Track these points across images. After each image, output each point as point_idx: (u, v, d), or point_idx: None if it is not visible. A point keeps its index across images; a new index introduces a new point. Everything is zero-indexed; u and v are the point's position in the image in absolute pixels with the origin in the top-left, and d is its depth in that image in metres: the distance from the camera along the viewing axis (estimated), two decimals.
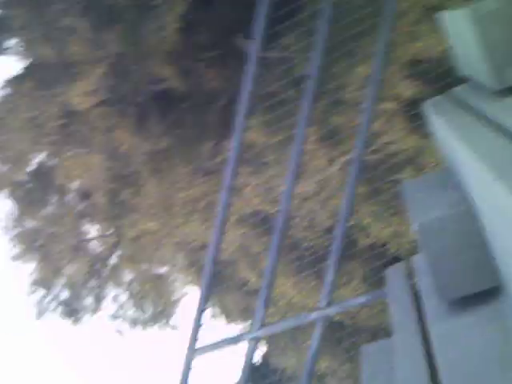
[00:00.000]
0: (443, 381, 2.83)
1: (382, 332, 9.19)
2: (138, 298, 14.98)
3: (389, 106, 8.24)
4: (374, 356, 4.35)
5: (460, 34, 3.58)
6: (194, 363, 5.74)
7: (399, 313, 4.06)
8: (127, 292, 15.07)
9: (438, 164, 8.47)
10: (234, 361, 6.05)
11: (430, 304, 3.58)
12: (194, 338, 5.63)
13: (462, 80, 4.10)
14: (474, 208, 3.23)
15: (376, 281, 6.19)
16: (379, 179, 6.11)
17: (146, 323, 14.83)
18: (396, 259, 7.01)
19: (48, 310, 14.74)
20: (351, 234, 8.19)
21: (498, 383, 2.59)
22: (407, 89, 8.00)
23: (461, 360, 2.87)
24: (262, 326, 5.54)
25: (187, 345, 5.63)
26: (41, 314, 14.76)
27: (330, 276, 5.19)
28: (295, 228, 9.71)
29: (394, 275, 4.66)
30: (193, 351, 5.64)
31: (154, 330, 14.99)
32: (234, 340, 5.72)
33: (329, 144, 7.75)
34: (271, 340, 11.86)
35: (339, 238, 5.16)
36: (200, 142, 11.92)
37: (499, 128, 2.77)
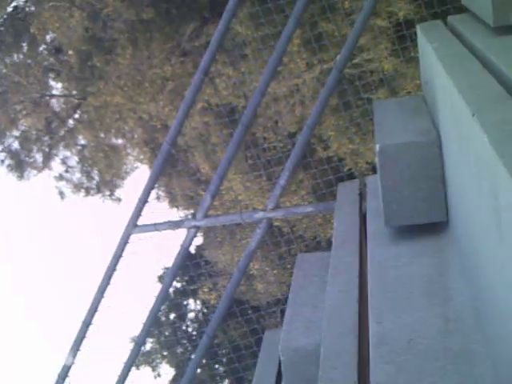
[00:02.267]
0: (370, 303, 2.84)
1: (317, 244, 9.31)
2: (87, 165, 14.90)
3: (379, 22, 8.10)
4: (308, 266, 4.37)
5: None
6: (131, 238, 5.72)
7: (343, 229, 4.06)
8: (78, 157, 14.99)
9: (412, 91, 8.42)
10: (168, 245, 6.04)
11: (375, 227, 3.58)
12: (137, 214, 5.59)
13: (460, 9, 4.01)
14: (440, 140, 3.19)
15: (324, 194, 6.19)
16: (351, 94, 6.04)
17: (90, 190, 14.80)
18: (350, 177, 7.05)
19: None
20: (311, 143, 8.17)
21: (418, 314, 2.61)
22: (402, 9, 7.87)
23: (390, 286, 2.89)
24: (206, 216, 5.53)
25: (129, 218, 5.60)
26: None
27: (282, 180, 5.15)
28: (258, 126, 9.64)
29: (346, 191, 4.65)
30: (133, 226, 5.62)
31: (96, 200, 15.02)
32: (176, 224, 5.70)
33: (310, 49, 7.64)
34: (209, 233, 11.95)
35: (302, 143, 5.10)
36: (184, 21, 11.65)
37: (489, 65, 2.71)
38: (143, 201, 5.64)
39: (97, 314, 5.75)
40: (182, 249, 5.65)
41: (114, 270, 5.69)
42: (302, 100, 9.27)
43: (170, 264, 5.95)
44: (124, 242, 5.67)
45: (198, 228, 5.59)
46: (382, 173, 3.29)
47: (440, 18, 4.41)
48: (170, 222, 5.71)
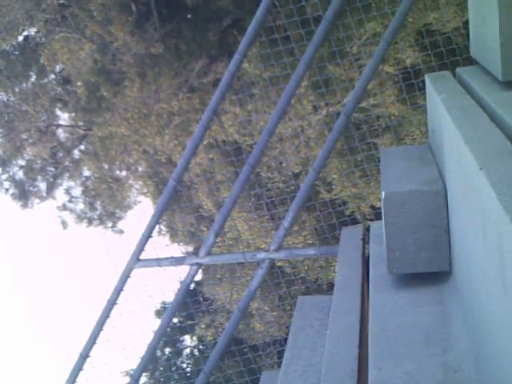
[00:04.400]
0: (370, 349, 2.85)
1: (318, 287, 9.32)
2: (91, 196, 14.96)
3: (387, 68, 8.20)
4: (309, 309, 4.38)
5: (483, 17, 3.53)
6: (132, 273, 5.73)
7: (345, 274, 4.08)
8: (82, 187, 15.05)
9: (418, 138, 8.49)
10: (166, 280, 6.04)
11: (377, 273, 3.59)
12: (140, 248, 5.60)
13: (468, 61, 4.06)
14: (445, 190, 3.22)
15: (326, 237, 6.22)
16: (357, 139, 6.10)
17: (92, 221, 14.84)
18: (352, 220, 7.08)
19: (0, 188, 14.67)
20: (315, 185, 8.21)
21: (418, 363, 2.62)
22: (410, 57, 7.98)
23: (391, 334, 2.89)
24: (209, 253, 5.54)
25: (132, 252, 5.61)
26: None
27: (286, 222, 5.18)
28: (263, 166, 9.69)
29: (349, 236, 4.68)
30: (136, 260, 5.63)
31: (98, 230, 15.05)
32: (179, 261, 5.71)
33: (318, 92, 7.72)
34: (208, 269, 11.95)
35: (307, 186, 5.13)
36: (193, 57, 11.76)
37: (496, 118, 2.75)
38: (147, 236, 5.66)
39: (95, 346, 5.74)
40: (183, 285, 5.65)
41: (114, 303, 5.69)
42: (307, 141, 9.33)
43: (168, 299, 5.94)
44: (126, 275, 5.68)
45: (200, 265, 5.60)
46: (387, 220, 3.32)
47: (448, 69, 4.48)
48: (172, 257, 5.72)
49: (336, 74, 7.42)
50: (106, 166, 14.10)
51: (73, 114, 14.45)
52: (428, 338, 2.78)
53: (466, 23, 4.16)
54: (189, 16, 12.44)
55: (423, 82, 4.26)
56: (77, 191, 14.80)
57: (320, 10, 5.22)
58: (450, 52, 5.72)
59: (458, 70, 3.99)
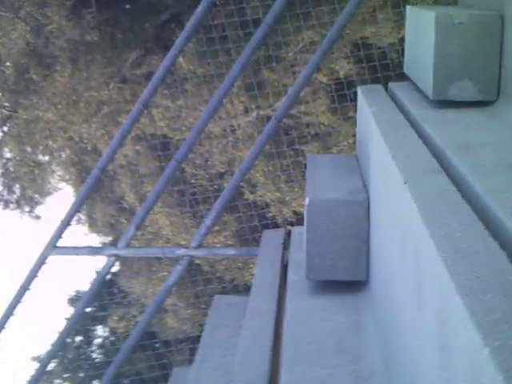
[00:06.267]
0: (283, 353, 2.87)
1: (235, 287, 9.34)
2: (10, 178, 14.67)
3: (321, 77, 8.29)
4: (225, 308, 4.39)
5: (418, 35, 3.60)
6: (48, 259, 5.64)
7: (263, 276, 4.10)
8: (1, 170, 14.74)
9: (344, 149, 8.59)
10: (81, 268, 5.98)
11: (295, 278, 3.63)
12: (57, 235, 5.52)
13: (401, 77, 4.14)
14: (368, 201, 3.28)
15: (246, 239, 6.25)
16: (285, 144, 6.15)
17: (9, 204, 14.56)
18: (273, 224, 7.14)
19: None
20: (239, 185, 8.23)
21: (329, 369, 2.65)
22: (344, 68, 8.07)
23: (304, 339, 2.93)
24: (128, 246, 5.50)
25: (48, 239, 5.53)
26: None
27: (209, 220, 5.17)
28: (189, 162, 9.65)
29: (270, 239, 4.70)
30: (52, 247, 5.54)
31: (14, 214, 14.76)
32: (96, 251, 5.65)
33: (250, 94, 7.75)
34: (125, 261, 11.85)
35: (232, 186, 5.15)
36: (128, 48, 11.65)
37: (424, 135, 2.81)
38: (65, 223, 5.59)
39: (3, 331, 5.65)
40: (99, 276, 5.60)
41: (27, 288, 5.60)
42: (235, 142, 9.35)
43: (82, 288, 5.88)
44: (41, 262, 5.60)
45: (117, 257, 5.56)
46: (309, 226, 3.35)
47: (381, 83, 4.55)
48: (90, 247, 5.66)
49: (270, 78, 7.47)
50: (29, 150, 13.83)
51: None
52: (341, 345, 2.83)
53: (402, 40, 4.24)
54: (127, 6, 12.32)
55: (355, 93, 4.31)
56: None
57: (260, 13, 5.24)
58: (383, 66, 5.81)
59: (390, 84, 4.06)
